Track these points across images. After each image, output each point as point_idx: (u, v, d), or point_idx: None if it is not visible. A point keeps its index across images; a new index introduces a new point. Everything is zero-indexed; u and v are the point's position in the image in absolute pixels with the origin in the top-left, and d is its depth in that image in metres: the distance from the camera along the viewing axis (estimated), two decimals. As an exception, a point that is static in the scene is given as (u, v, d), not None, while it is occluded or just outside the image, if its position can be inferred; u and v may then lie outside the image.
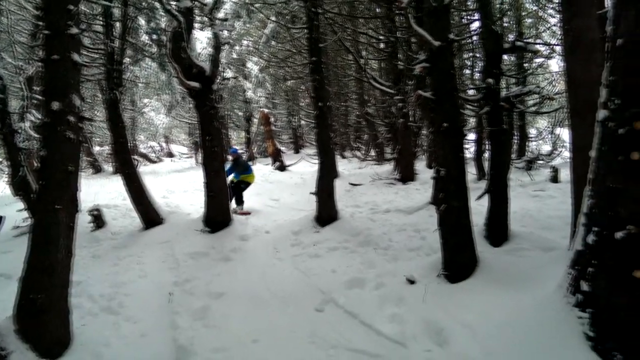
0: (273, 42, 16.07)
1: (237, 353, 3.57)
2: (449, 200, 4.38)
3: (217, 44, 7.54)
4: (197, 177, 11.28)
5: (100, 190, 11.68)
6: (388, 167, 14.74)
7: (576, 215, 3.79)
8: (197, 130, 10.01)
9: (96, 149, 22.64)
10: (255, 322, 4.07)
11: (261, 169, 17.10)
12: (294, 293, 4.67)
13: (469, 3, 10.25)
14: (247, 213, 8.98)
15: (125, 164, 7.98)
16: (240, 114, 25.06)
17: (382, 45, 12.20)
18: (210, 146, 7.28)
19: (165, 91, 20.39)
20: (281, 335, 3.80)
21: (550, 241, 4.93)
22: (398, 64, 11.32)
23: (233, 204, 8.97)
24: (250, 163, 12.58)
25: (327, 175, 7.61)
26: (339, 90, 18.55)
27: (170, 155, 30.84)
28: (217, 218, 7.31)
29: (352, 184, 12.27)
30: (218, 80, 11.23)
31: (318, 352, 3.48)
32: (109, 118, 7.87)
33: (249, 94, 21.64)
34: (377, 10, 11.56)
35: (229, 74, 20.00)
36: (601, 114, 2.79)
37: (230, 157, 9.89)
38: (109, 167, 20.92)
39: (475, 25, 9.54)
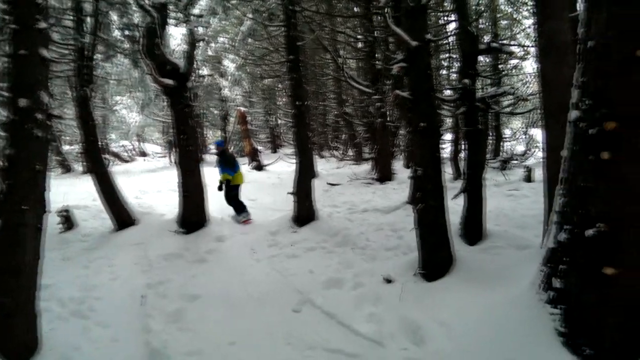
0: (250, 40, 15.90)
1: (213, 356, 3.50)
2: (426, 199, 4.41)
3: (192, 41, 7.40)
4: (171, 177, 11.05)
5: (69, 191, 11.31)
6: (366, 167, 14.81)
7: (549, 214, 3.87)
8: (172, 128, 9.31)
9: (65, 147, 21.91)
10: (232, 324, 4.01)
11: (238, 169, 16.89)
12: (270, 294, 4.62)
13: (445, 4, 10.38)
14: (249, 220, 7.88)
15: (96, 163, 7.74)
16: (216, 112, 24.76)
17: (360, 45, 12.24)
18: (185, 145, 7.14)
19: (138, 88, 19.91)
20: (258, 336, 3.75)
21: (524, 239, 5.03)
22: (376, 63, 11.38)
23: (231, 214, 8.08)
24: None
25: (305, 175, 7.58)
26: (317, 90, 18.53)
27: (143, 154, 30.15)
28: (191, 218, 7.17)
29: (330, 184, 12.27)
30: (193, 78, 11.03)
31: (295, 353, 3.45)
32: (79, 116, 7.61)
33: (225, 92, 21.39)
34: (355, 9, 11.59)
35: (204, 71, 19.71)
36: (573, 114, 2.84)
37: (214, 150, 8.98)
38: (78, 167, 20.29)
39: (452, 26, 9.68)
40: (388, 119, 12.84)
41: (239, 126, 20.05)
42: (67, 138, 22.56)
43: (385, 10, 4.74)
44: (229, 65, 20.11)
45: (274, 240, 6.60)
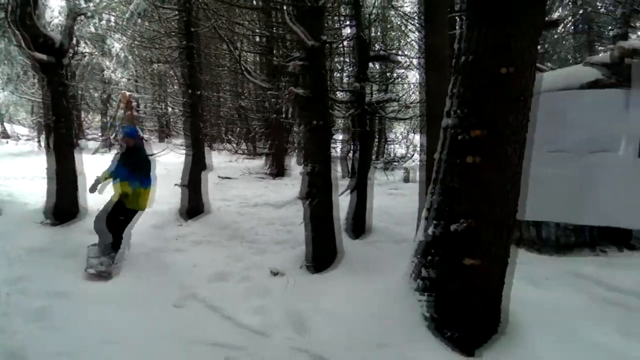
0: (140, 21, 14.78)
1: (84, 356, 3.21)
2: (317, 195, 4.58)
3: (71, 14, 6.66)
4: (39, 163, 9.80)
5: None
6: (260, 162, 14.78)
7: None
8: (43, 109, 8.10)
9: None
10: (107, 323, 3.70)
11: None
12: (151, 290, 4.38)
13: (342, 9, 10.80)
14: (107, 275, 4.56)
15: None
16: (97, 95, 22.57)
17: (258, 39, 12.15)
18: (57, 128, 6.39)
19: (3, 62, 17.25)
20: (136, 334, 3.52)
21: (402, 234, 5.50)
22: (274, 59, 11.41)
23: (96, 241, 4.92)
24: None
25: (195, 167, 7.33)
26: (212, 80, 17.93)
27: (6, 136, 26.22)
28: (63, 208, 6.45)
29: (221, 177, 12.00)
30: (71, 55, 9.91)
31: (176, 350, 3.32)
32: None
33: (109, 73, 19.58)
34: (254, 2, 11.48)
35: (85, 49, 17.80)
36: (445, 121, 3.19)
37: (121, 141, 5.27)
38: None
39: (347, 31, 10.13)
40: (283, 115, 12.96)
41: (122, 111, 18.51)
42: None
43: (285, 8, 4.79)
44: (115, 45, 18.42)
45: (158, 234, 6.25)
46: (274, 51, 11.59)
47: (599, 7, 12.02)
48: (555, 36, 12.62)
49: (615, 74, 4.94)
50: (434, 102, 4.72)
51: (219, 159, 16.42)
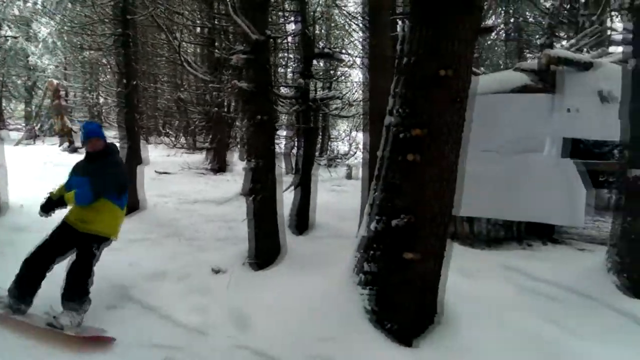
0: (70, 5, 13.81)
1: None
2: (261, 191, 4.53)
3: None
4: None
5: None
6: (200, 157, 14.35)
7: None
8: None
9: None
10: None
11: (47, 150, 14.54)
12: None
13: (286, 4, 10.73)
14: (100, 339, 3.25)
15: None
16: (20, 82, 20.81)
17: (199, 30, 11.78)
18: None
19: None
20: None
21: (345, 230, 5.57)
22: (215, 51, 11.11)
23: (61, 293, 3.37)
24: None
25: (130, 161, 6.97)
26: (149, 71, 17.12)
27: None
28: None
29: (159, 172, 11.51)
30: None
31: (109, 354, 3.15)
32: None
33: (34, 59, 18.12)
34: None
35: (8, 32, 16.35)
36: (387, 120, 3.27)
37: (87, 146, 3.61)
38: None
39: (291, 27, 10.09)
40: (225, 109, 12.67)
41: (49, 100, 17.19)
42: None
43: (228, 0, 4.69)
44: (41, 29, 17.07)
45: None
46: (216, 43, 11.29)
47: (528, 17, 12.91)
48: (489, 42, 13.38)
49: (542, 80, 5.34)
50: (377, 101, 4.83)
51: (155, 153, 15.73)
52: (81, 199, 3.36)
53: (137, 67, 9.16)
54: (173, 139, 18.58)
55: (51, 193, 3.68)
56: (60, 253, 3.51)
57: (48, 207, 3.61)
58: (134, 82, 6.98)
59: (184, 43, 13.25)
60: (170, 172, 11.67)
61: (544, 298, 3.79)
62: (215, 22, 10.46)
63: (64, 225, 3.55)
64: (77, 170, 3.66)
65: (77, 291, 3.38)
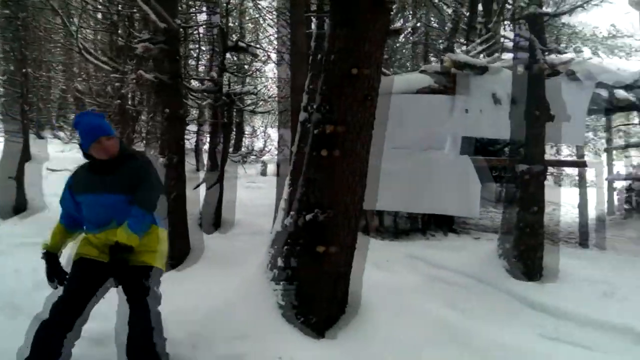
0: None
1: None
2: (174, 188, 4.33)
3: None
4: None
5: None
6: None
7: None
8: None
9: None
10: None
11: None
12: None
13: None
14: None
15: None
16: None
17: (100, 16, 10.88)
18: None
19: None
20: None
21: (260, 226, 5.54)
22: (119, 39, 10.33)
23: None
24: None
25: (18, 157, 6.27)
26: (40, 57, 15.40)
27: None
28: None
29: (51, 170, 10.43)
30: None
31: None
32: None
33: None
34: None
35: None
36: (302, 115, 3.31)
37: (96, 152, 2.42)
38: None
39: (202, 17, 9.73)
40: (129, 101, 11.85)
41: None
42: None
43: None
44: None
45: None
46: (119, 31, 10.50)
47: (432, 22, 13.85)
48: (397, 45, 14.09)
49: (444, 81, 5.77)
50: (297, 96, 4.84)
51: (49, 149, 14.26)
52: (140, 226, 2.37)
53: (26, 53, 8.20)
54: (68, 133, 16.95)
55: (46, 245, 2.57)
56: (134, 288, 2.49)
57: (55, 268, 2.55)
58: (27, 71, 6.27)
59: (82, 29, 12.16)
60: (65, 169, 10.63)
61: (446, 284, 4.12)
62: (119, 7, 9.71)
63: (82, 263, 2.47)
64: (85, 187, 2.49)
65: None
